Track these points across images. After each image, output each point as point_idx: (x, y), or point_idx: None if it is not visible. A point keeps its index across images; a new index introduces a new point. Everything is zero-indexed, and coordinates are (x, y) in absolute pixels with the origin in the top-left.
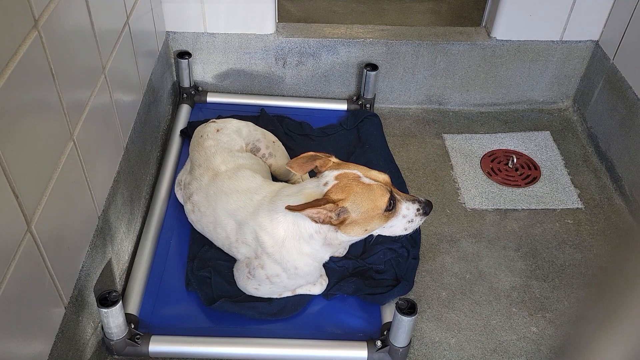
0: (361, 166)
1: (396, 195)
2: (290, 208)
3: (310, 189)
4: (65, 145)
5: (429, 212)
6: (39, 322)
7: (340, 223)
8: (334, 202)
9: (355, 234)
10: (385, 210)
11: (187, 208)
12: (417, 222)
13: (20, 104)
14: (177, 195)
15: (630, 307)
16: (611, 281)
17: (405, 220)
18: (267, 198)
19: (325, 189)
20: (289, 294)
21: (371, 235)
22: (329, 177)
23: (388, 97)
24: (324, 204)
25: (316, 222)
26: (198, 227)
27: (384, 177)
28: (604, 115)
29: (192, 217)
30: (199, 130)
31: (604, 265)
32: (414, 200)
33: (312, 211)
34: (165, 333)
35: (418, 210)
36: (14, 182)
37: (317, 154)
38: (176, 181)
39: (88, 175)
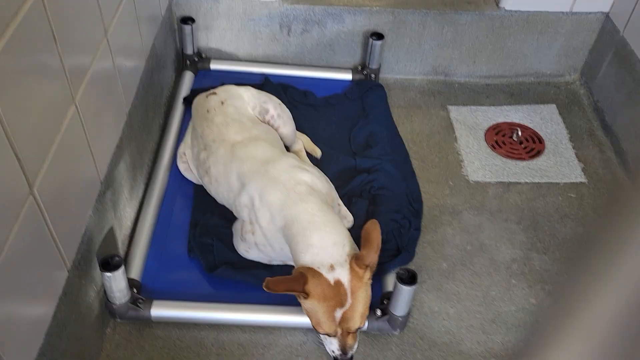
0: (360, 304)
1: (340, 338)
2: (269, 288)
3: (327, 247)
4: (67, 109)
5: None
6: (42, 285)
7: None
8: (306, 293)
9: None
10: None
11: (205, 181)
12: (329, 351)
13: (21, 67)
14: (180, 168)
15: (617, 266)
16: (599, 239)
17: (325, 340)
18: (284, 180)
19: (324, 273)
20: (279, 263)
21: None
22: (339, 274)
23: (393, 68)
24: (298, 291)
25: None
26: (219, 198)
27: (350, 327)
28: (611, 89)
29: (212, 189)
30: (201, 104)
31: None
32: (342, 349)
33: (286, 292)
34: (167, 298)
35: (334, 352)
36: (16, 144)
37: (375, 251)
38: (178, 154)
39: (90, 140)
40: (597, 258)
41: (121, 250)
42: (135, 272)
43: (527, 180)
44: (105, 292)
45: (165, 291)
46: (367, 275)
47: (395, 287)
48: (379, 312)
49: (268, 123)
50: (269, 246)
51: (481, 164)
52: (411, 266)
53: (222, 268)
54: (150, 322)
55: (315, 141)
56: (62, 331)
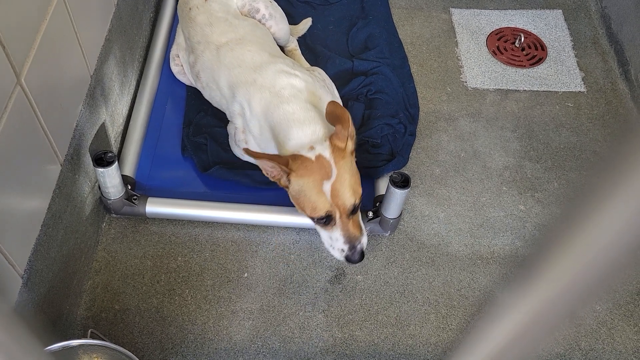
0: (348, 175)
1: (338, 222)
2: (248, 152)
3: (305, 136)
4: None
5: (353, 262)
6: (36, 178)
7: (286, 187)
8: (289, 169)
9: (292, 200)
10: (312, 219)
11: (199, 86)
12: (337, 255)
13: None
14: (173, 71)
15: (619, 195)
16: (604, 167)
17: (330, 242)
18: (271, 90)
19: (305, 153)
20: None
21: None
22: (319, 150)
23: None
24: (280, 164)
25: (265, 174)
26: (214, 102)
27: (344, 201)
28: None
29: (206, 94)
30: (184, 1)
31: (598, 149)
32: (347, 241)
33: (267, 164)
34: (162, 196)
35: (342, 250)
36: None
37: (348, 123)
38: (170, 56)
39: (78, 31)
40: (606, 179)
41: (114, 147)
42: (129, 169)
43: (525, 88)
44: (99, 187)
45: (159, 189)
46: (350, 146)
47: (388, 190)
48: (370, 214)
49: (260, 21)
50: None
51: (481, 71)
52: (404, 171)
53: (216, 168)
54: (145, 219)
55: (311, 41)
56: (57, 223)
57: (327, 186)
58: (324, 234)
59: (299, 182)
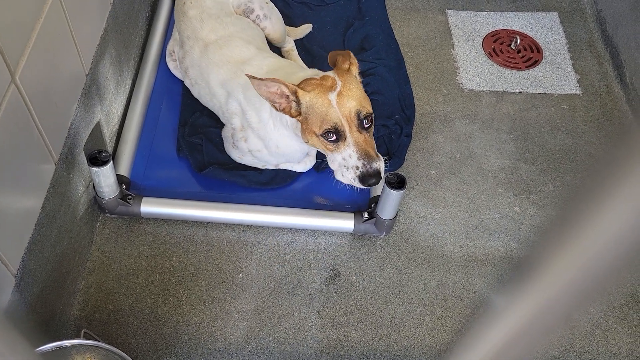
0: (354, 86)
1: (349, 136)
2: (251, 77)
3: (306, 75)
4: None
5: (365, 184)
6: (30, 177)
7: (297, 115)
8: (294, 87)
9: (304, 138)
10: (323, 137)
11: (187, 82)
12: (350, 178)
13: None
14: (170, 67)
15: (614, 197)
16: (599, 169)
17: (343, 164)
18: (260, 72)
19: (311, 76)
20: (272, 167)
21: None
22: (326, 73)
23: None
24: (286, 84)
25: (277, 109)
26: (202, 101)
27: (350, 109)
28: None
29: (194, 92)
30: None
31: (593, 152)
32: (362, 157)
33: (273, 85)
34: (156, 196)
35: (357, 168)
36: None
37: (349, 55)
38: (167, 51)
39: (73, 29)
40: (601, 181)
41: (109, 147)
42: (124, 168)
43: (521, 90)
44: (94, 187)
45: (154, 189)
46: (354, 70)
47: (383, 191)
48: (365, 215)
49: (254, 21)
50: (265, 149)
51: (476, 72)
52: (400, 172)
53: (211, 168)
54: (139, 218)
55: (307, 42)
56: (51, 223)
57: (332, 96)
58: (337, 157)
59: (305, 98)
